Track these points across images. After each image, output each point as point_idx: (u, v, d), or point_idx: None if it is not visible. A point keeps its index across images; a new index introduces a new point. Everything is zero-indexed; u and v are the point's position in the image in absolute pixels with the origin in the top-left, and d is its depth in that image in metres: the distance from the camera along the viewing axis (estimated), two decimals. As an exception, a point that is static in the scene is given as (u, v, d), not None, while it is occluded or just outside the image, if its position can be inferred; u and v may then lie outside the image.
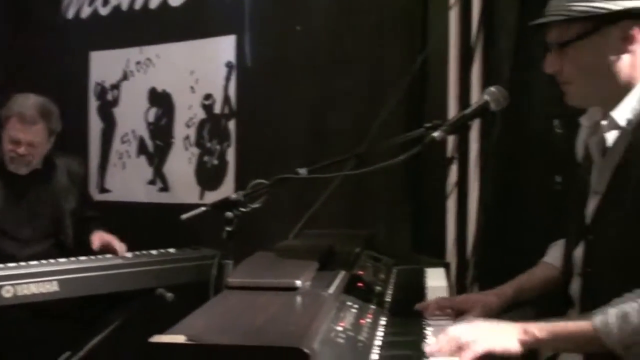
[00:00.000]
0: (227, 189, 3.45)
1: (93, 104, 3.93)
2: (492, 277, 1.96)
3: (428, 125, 1.81)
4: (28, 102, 2.99)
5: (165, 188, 3.73)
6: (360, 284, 1.87)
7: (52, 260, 2.77)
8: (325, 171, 2.06)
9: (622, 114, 1.55)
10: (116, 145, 3.86)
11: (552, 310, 1.69)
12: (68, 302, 2.72)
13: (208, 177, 3.58)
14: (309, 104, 3.24)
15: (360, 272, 1.97)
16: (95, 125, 3.94)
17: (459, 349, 1.45)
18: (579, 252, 1.65)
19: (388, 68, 3.06)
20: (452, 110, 2.83)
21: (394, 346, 1.55)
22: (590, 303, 1.53)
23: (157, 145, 3.75)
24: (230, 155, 3.52)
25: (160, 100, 3.73)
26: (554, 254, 1.87)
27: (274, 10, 3.38)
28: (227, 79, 3.51)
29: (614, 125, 1.56)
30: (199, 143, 3.62)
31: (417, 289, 2.11)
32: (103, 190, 3.90)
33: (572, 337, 1.50)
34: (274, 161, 3.23)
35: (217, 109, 3.55)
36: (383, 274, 2.14)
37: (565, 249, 1.74)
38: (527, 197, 2.67)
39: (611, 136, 1.57)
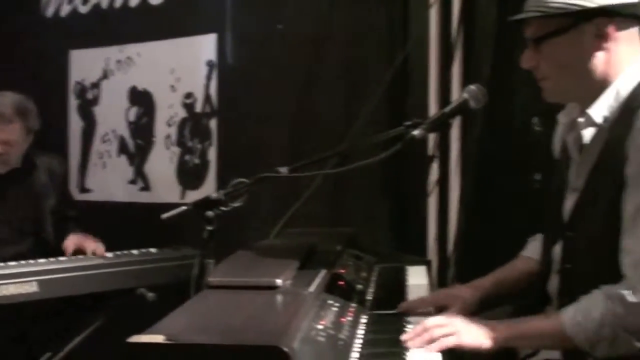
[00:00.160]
0: (208, 188, 3.43)
1: (73, 102, 3.90)
2: (473, 275, 1.96)
3: (408, 123, 1.82)
4: (4, 100, 2.96)
5: (146, 187, 3.70)
6: (341, 283, 1.87)
7: (31, 261, 2.75)
8: (306, 170, 2.06)
9: (598, 111, 1.56)
10: (97, 145, 3.83)
11: (529, 308, 1.71)
12: (48, 303, 2.70)
13: (189, 176, 3.56)
14: (290, 103, 3.24)
15: (342, 271, 1.97)
16: (75, 124, 3.90)
17: (432, 340, 1.50)
18: (557, 249, 1.66)
19: (369, 66, 3.07)
20: (433, 108, 2.85)
21: (375, 344, 1.56)
22: (568, 300, 1.55)
23: (137, 145, 3.72)
24: (212, 154, 3.51)
25: (141, 99, 3.70)
26: (533, 248, 1.90)
27: (255, 8, 3.37)
28: (208, 77, 3.50)
29: (590, 122, 1.57)
30: (180, 142, 3.60)
31: (399, 287, 2.12)
32: (83, 189, 3.87)
33: (541, 336, 1.54)
34: (255, 160, 3.22)
35: (198, 107, 3.53)
36: (364, 272, 2.15)
37: (544, 246, 1.75)
38: (507, 195, 2.69)
39: (588, 133, 1.59)
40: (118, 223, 3.55)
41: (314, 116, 3.17)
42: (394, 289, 2.08)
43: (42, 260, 2.76)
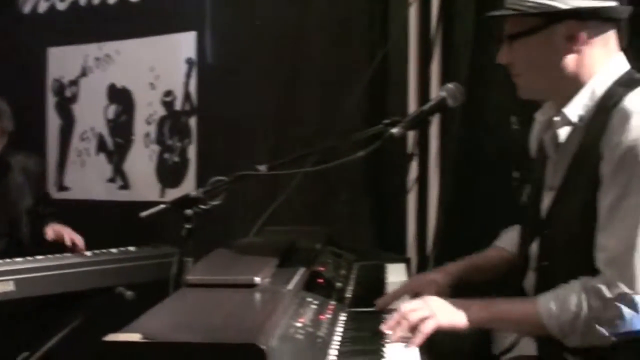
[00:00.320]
0: (188, 187, 3.42)
1: (51, 100, 3.87)
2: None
3: (387, 121, 1.83)
4: None
5: (125, 186, 3.69)
6: (320, 280, 1.88)
7: (8, 260, 2.72)
8: (285, 168, 2.06)
9: (574, 110, 1.58)
10: (75, 143, 3.81)
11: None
12: (25, 302, 2.68)
13: (169, 174, 3.55)
14: (270, 100, 3.23)
15: (321, 269, 1.97)
16: (53, 122, 3.88)
17: (411, 326, 1.52)
18: (534, 246, 1.68)
19: (349, 64, 3.07)
20: (413, 107, 2.85)
21: (354, 341, 1.56)
22: (545, 294, 1.56)
23: (116, 143, 3.70)
24: (191, 152, 3.50)
25: (120, 96, 3.68)
26: (506, 239, 1.92)
27: (234, 6, 3.36)
28: (188, 75, 3.48)
29: (566, 121, 1.59)
30: (159, 140, 3.59)
31: (378, 284, 2.12)
32: (62, 188, 3.84)
33: (516, 320, 1.56)
34: (235, 158, 3.21)
35: (178, 105, 3.52)
36: (344, 269, 2.15)
37: (521, 243, 1.77)
38: (485, 193, 2.70)
39: (564, 132, 1.61)
40: (97, 221, 3.53)
41: (294, 114, 3.17)
42: (374, 286, 2.08)
43: (19, 259, 2.74)
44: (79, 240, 2.93)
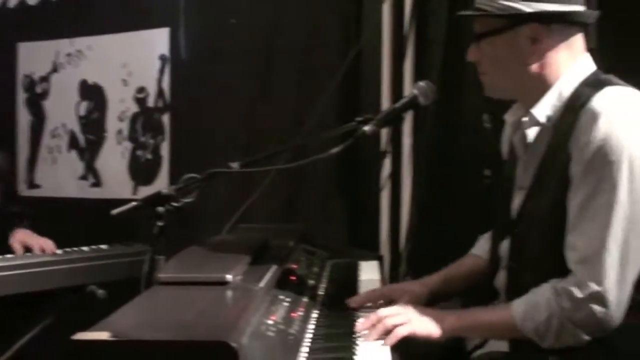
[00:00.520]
0: (161, 184, 3.40)
1: (21, 96, 3.82)
2: (425, 270, 1.99)
3: (359, 119, 1.83)
4: None
5: (97, 183, 3.65)
6: (293, 278, 1.88)
7: (-24, 258, 2.68)
8: (258, 165, 2.06)
9: (541, 110, 1.60)
10: (46, 140, 3.76)
11: (478, 302, 1.74)
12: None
13: (142, 171, 3.52)
14: (244, 97, 3.23)
15: (294, 266, 1.97)
16: (23, 118, 3.82)
17: (386, 330, 1.52)
18: (505, 245, 1.70)
19: (323, 61, 3.07)
20: (386, 104, 2.87)
21: (325, 338, 1.56)
22: (514, 295, 1.59)
23: (88, 140, 3.67)
24: (165, 149, 3.47)
25: (92, 93, 3.64)
26: (482, 246, 1.93)
27: (208, 2, 3.34)
28: (161, 72, 3.46)
29: (534, 121, 1.61)
30: (132, 137, 3.56)
31: (351, 282, 2.13)
32: (32, 185, 3.79)
33: (491, 326, 1.58)
34: (209, 155, 3.20)
35: (151, 102, 3.50)
36: (317, 267, 2.15)
37: (492, 243, 1.79)
38: (458, 191, 2.73)
39: (532, 132, 1.63)
40: (69, 219, 3.50)
41: (267, 111, 3.16)
42: (346, 284, 2.09)
43: (-13, 258, 2.70)
44: (49, 246, 2.89)
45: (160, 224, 1.86)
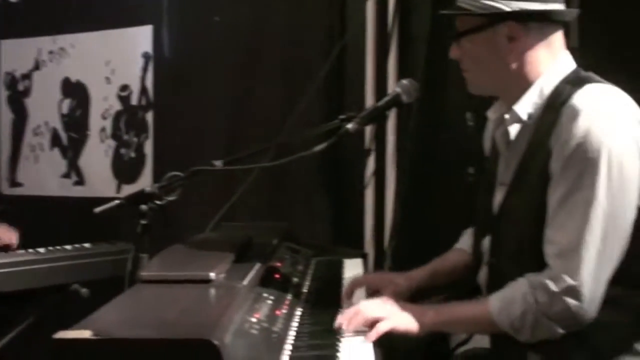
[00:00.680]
0: (144, 182, 3.38)
1: (3, 94, 3.79)
2: (409, 268, 2.00)
3: (343, 117, 1.83)
4: None
5: (80, 181, 3.63)
6: (277, 276, 1.88)
7: (-42, 257, 2.66)
8: (241, 163, 2.06)
9: (523, 108, 1.61)
10: (28, 137, 3.73)
11: (461, 298, 1.75)
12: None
13: (125, 170, 3.51)
14: (228, 95, 3.22)
15: (278, 264, 1.97)
16: (5, 116, 3.79)
17: (365, 322, 1.54)
18: (486, 242, 1.71)
19: (307, 59, 3.07)
20: (370, 102, 2.87)
21: (309, 336, 1.57)
22: (496, 291, 1.59)
23: (71, 138, 3.65)
24: (148, 147, 3.46)
25: (75, 91, 3.62)
26: (466, 240, 1.94)
27: (191, 0, 3.34)
28: (144, 69, 3.45)
29: (516, 118, 1.62)
30: (115, 135, 3.54)
31: (335, 279, 2.13)
32: (14, 184, 3.76)
33: (469, 321, 1.59)
34: (193, 154, 3.19)
35: (134, 100, 3.48)
36: (301, 265, 2.15)
37: (474, 239, 1.80)
38: (442, 188, 2.74)
39: (514, 129, 1.64)
40: (51, 218, 3.48)
41: (252, 109, 3.16)
42: (331, 281, 2.09)
43: (-31, 257, 2.67)
44: (9, 236, 2.87)
45: (143, 222, 1.86)
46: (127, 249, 2.85)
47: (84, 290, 2.77)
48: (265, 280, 1.76)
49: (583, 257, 1.47)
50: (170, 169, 1.96)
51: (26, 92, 3.75)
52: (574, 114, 1.49)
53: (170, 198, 1.92)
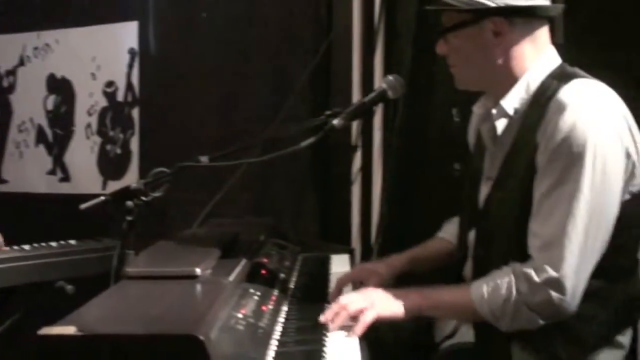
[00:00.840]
0: (131, 179, 3.37)
1: (-13, 90, 3.77)
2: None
3: (329, 112, 1.84)
4: None
5: (66, 178, 3.61)
6: (263, 272, 1.87)
7: (-57, 255, 2.64)
8: (228, 159, 2.05)
9: (510, 102, 1.62)
10: (13, 134, 3.70)
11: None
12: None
13: (111, 166, 3.49)
14: (215, 91, 3.21)
15: (264, 260, 1.97)
16: (-11, 112, 3.77)
17: (351, 318, 1.55)
18: (472, 235, 1.72)
19: (294, 55, 3.07)
20: (357, 97, 2.88)
21: (296, 331, 1.57)
22: (481, 283, 1.60)
23: (56, 134, 3.62)
24: (134, 144, 3.45)
25: (60, 87, 3.60)
26: (448, 229, 1.97)
27: (178, -4, 3.33)
28: (130, 66, 3.43)
29: (503, 113, 1.63)
30: (101, 131, 3.52)
31: (322, 275, 2.13)
32: (-1, 180, 3.75)
33: (451, 307, 1.61)
34: (180, 150, 3.17)
35: (120, 96, 3.47)
36: (288, 261, 2.15)
37: (460, 233, 1.81)
38: (428, 184, 2.74)
39: (501, 124, 1.64)
40: (37, 215, 3.45)
41: (239, 105, 3.15)
42: (317, 277, 2.09)
43: (-46, 254, 2.65)
44: None
45: (129, 218, 1.85)
46: (113, 245, 2.84)
47: (70, 287, 2.76)
48: (252, 276, 1.76)
49: (566, 250, 1.48)
50: (157, 166, 1.95)
51: (11, 89, 3.72)
52: (561, 108, 1.50)
53: (156, 194, 1.91)
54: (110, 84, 3.49)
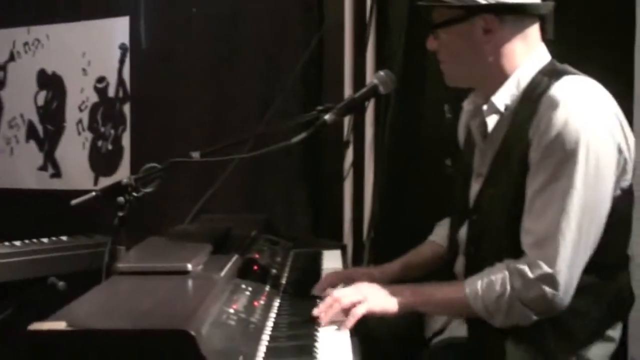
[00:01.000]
0: (122, 175, 3.36)
1: (-24, 86, 3.75)
2: (387, 259, 2.01)
3: (320, 108, 1.83)
4: None
5: (57, 174, 3.60)
6: (255, 267, 1.87)
7: None
8: (220, 154, 2.05)
9: (501, 99, 1.62)
10: (3, 130, 3.69)
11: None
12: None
13: (102, 162, 3.48)
14: (206, 87, 3.21)
15: (256, 256, 1.97)
16: (-21, 108, 3.75)
17: (343, 311, 1.55)
18: (463, 232, 1.72)
19: (286, 50, 3.06)
20: (348, 93, 2.87)
21: (287, 326, 1.57)
22: (473, 279, 1.60)
23: (47, 130, 3.61)
24: (126, 139, 3.44)
25: (51, 82, 3.59)
26: (439, 233, 1.96)
27: (169, -9, 3.32)
28: (121, 61, 3.42)
29: (494, 109, 1.63)
30: (92, 127, 3.51)
31: (313, 271, 2.13)
32: (-11, 177, 3.73)
33: (444, 303, 1.61)
34: (171, 146, 3.17)
35: (111, 92, 3.46)
36: (280, 257, 2.15)
37: (451, 229, 1.81)
38: (420, 180, 2.75)
39: (492, 121, 1.64)
40: (28, 211, 3.45)
41: (230, 100, 3.15)
42: (309, 273, 2.09)
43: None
44: None
45: (120, 214, 1.85)
46: (104, 241, 2.84)
47: (61, 284, 2.76)
48: (243, 272, 1.76)
49: (559, 246, 1.48)
50: (148, 161, 1.95)
51: (1, 84, 3.70)
52: (553, 105, 1.50)
53: (148, 190, 1.91)
54: (101, 79, 3.47)
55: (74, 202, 1.91)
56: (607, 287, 1.58)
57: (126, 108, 3.43)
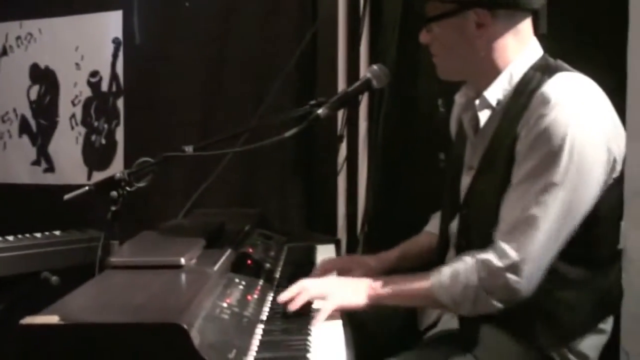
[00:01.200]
0: (116, 169, 3.32)
1: (-32, 80, 3.73)
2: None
3: (313, 102, 1.83)
4: None
5: (50, 169, 3.59)
6: (248, 261, 1.88)
7: None
8: (213, 149, 2.05)
9: (493, 94, 1.63)
10: (-5, 124, 3.69)
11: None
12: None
13: (96, 157, 3.47)
14: (199, 81, 3.20)
15: (250, 250, 1.97)
16: (-29, 103, 3.73)
17: (307, 302, 1.58)
18: (454, 224, 1.73)
19: (279, 44, 3.06)
20: (342, 87, 2.87)
21: (280, 321, 1.57)
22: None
23: (40, 124, 3.59)
24: (119, 134, 3.43)
25: (43, 77, 3.57)
26: (435, 223, 1.96)
27: (162, -15, 3.30)
28: (115, 55, 3.41)
29: (486, 104, 1.63)
30: (85, 122, 3.50)
31: (307, 265, 2.14)
32: (-18, 171, 3.71)
33: (411, 295, 1.61)
34: (164, 140, 3.16)
35: (105, 86, 3.44)
36: (273, 251, 2.16)
37: (442, 222, 1.82)
38: (414, 174, 2.75)
39: (484, 115, 1.65)
40: (21, 206, 3.44)
41: (223, 95, 3.14)
42: (303, 267, 2.09)
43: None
44: None
45: (113, 208, 1.84)
46: (98, 236, 2.84)
47: (55, 278, 2.76)
48: (237, 266, 1.76)
49: (533, 235, 1.49)
50: (142, 156, 1.95)
51: (-7, 79, 3.69)
52: (545, 101, 1.51)
53: (141, 184, 1.91)
54: (94, 73, 3.46)
55: (67, 196, 1.91)
56: (599, 280, 1.58)
57: (119, 102, 3.42)
